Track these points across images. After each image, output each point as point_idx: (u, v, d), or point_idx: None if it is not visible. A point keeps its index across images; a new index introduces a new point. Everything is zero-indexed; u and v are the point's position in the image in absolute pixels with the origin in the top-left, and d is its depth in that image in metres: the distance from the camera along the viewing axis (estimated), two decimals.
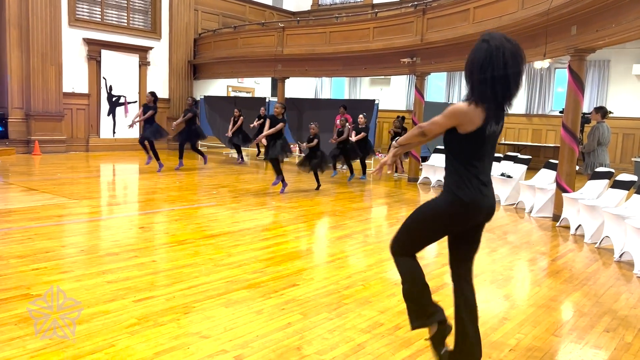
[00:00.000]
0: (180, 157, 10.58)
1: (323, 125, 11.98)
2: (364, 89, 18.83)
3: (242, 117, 12.42)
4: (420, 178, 10.55)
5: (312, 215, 6.97)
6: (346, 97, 18.61)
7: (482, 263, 4.94)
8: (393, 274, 4.51)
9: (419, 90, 10.41)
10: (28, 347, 2.77)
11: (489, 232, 6.33)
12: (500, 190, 8.54)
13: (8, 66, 12.16)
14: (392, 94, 17.56)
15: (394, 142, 2.64)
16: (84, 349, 2.79)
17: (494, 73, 2.27)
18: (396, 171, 11.68)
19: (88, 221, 5.96)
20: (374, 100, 12.39)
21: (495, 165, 9.28)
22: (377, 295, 3.87)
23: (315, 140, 9.00)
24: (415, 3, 10.65)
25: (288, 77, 13.55)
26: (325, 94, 19.41)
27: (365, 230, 6.20)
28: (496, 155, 9.83)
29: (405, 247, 2.58)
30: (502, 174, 8.56)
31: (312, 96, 18.55)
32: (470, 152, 2.38)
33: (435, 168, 10.05)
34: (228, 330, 3.13)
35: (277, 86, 13.94)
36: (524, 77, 2.41)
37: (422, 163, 10.78)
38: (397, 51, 10.63)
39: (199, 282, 3.98)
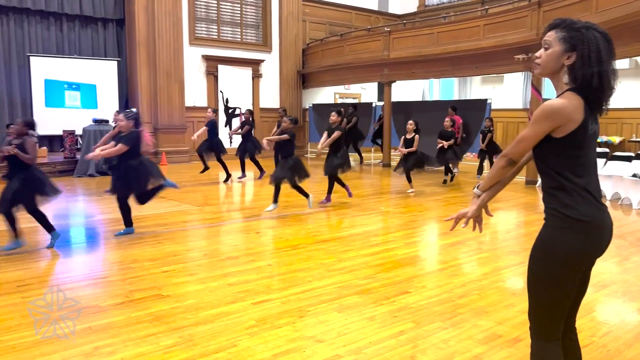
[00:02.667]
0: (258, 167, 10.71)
1: (432, 128, 11.77)
2: (475, 88, 18.14)
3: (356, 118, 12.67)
4: (540, 181, 9.93)
5: (422, 220, 6.86)
6: (455, 97, 18.06)
7: (612, 272, 4.54)
8: (511, 283, 4.30)
9: (536, 87, 9.82)
10: (161, 344, 3.03)
11: (620, 238, 5.79)
12: (632, 193, 7.78)
13: (139, 85, 13.43)
14: (506, 92, 16.73)
15: (475, 190, 2.15)
16: (209, 348, 2.99)
17: (609, 64, 1.90)
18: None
19: (209, 226, 6.38)
20: (485, 100, 11.91)
21: (625, 165, 8.47)
22: (494, 305, 3.71)
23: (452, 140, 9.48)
24: None
25: (394, 81, 13.46)
26: (434, 96, 19.00)
27: (479, 237, 5.97)
28: (626, 154, 8.97)
29: (541, 321, 1.99)
30: (634, 175, 7.78)
31: (419, 99, 18.26)
32: (575, 159, 1.90)
33: None
34: (341, 335, 3.18)
35: (383, 90, 13.92)
36: None
37: None
38: (510, 48, 10.12)
39: (312, 286, 4.09)
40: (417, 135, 8.75)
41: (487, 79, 17.55)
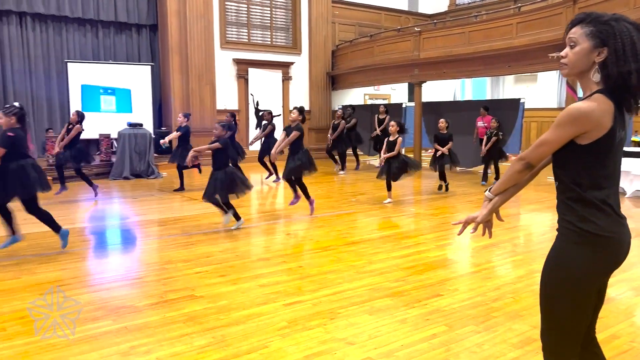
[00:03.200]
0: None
1: (464, 128, 11.63)
2: (508, 87, 17.82)
3: (344, 122, 11.93)
4: None
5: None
6: (488, 97, 17.78)
7: None
8: None
9: (571, 86, 9.60)
10: (195, 344, 3.08)
11: None
12: None
13: (171, 89, 13.68)
14: (540, 91, 16.39)
15: (487, 192, 2.00)
16: (241, 349, 3.02)
17: None
18: None
19: (241, 228, 6.43)
20: (519, 99, 11.69)
21: None
22: (528, 309, 3.63)
23: (450, 143, 9.01)
24: None
25: (425, 81, 13.35)
26: (465, 96, 18.76)
27: (514, 239, 5.87)
28: None
29: (554, 342, 1.87)
30: None
31: (450, 99, 18.05)
32: (599, 169, 1.75)
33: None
34: (373, 337, 3.17)
35: (413, 91, 13.82)
36: None
37: None
38: (544, 46, 9.91)
39: (343, 288, 4.09)
40: (400, 138, 7.72)
41: (520, 78, 17.22)
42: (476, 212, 2.01)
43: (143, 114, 13.19)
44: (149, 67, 13.77)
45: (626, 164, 9.24)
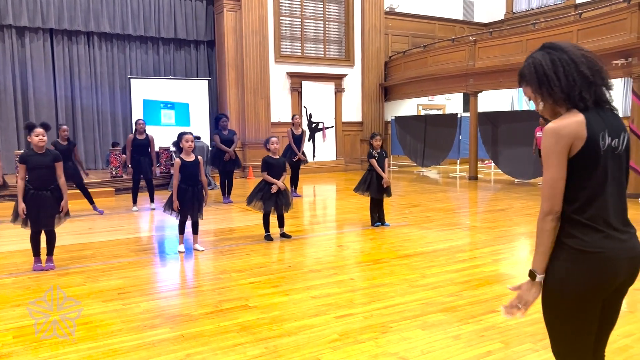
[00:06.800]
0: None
1: (522, 139, 11.30)
2: None
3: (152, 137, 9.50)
4: None
5: (512, 236, 6.57)
6: None
7: None
8: None
9: (637, 95, 9.14)
10: (248, 354, 3.13)
11: None
12: None
13: (228, 103, 14.07)
14: None
15: (537, 275, 1.78)
16: None
17: (580, 72, 1.76)
18: None
19: (293, 239, 6.50)
20: None
21: None
22: None
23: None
24: None
25: (481, 91, 13.09)
26: (523, 105, 18.21)
27: None
28: None
29: (562, 358, 1.84)
30: None
31: (507, 108, 17.58)
32: (584, 181, 1.68)
33: None
34: (425, 353, 3.12)
35: (469, 101, 13.57)
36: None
37: None
38: (608, 53, 9.49)
39: (395, 302, 4.05)
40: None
41: None
42: (526, 294, 1.81)
43: (201, 127, 13.60)
44: (207, 81, 14.21)
45: None
